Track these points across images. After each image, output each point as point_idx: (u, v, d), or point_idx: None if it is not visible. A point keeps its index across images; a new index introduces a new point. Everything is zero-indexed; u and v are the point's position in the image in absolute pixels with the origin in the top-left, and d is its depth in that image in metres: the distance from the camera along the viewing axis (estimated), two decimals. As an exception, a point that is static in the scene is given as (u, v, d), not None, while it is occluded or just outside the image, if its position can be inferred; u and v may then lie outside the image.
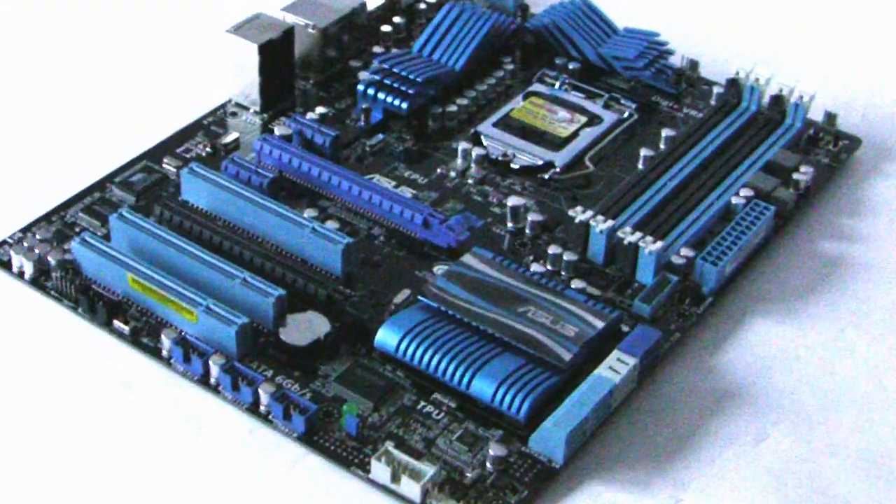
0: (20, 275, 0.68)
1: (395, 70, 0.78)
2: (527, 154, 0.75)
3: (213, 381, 0.63)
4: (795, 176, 0.74)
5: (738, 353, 0.66)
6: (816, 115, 0.78)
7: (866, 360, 0.67)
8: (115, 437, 0.61)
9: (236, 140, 0.76)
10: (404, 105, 0.77)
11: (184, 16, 0.88)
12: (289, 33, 0.78)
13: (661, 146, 0.77)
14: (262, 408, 0.61)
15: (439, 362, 0.63)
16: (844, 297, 0.70)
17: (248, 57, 0.77)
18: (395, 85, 0.77)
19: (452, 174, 0.75)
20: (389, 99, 0.77)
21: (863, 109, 0.81)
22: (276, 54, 0.78)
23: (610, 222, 0.69)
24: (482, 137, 0.76)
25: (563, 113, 0.78)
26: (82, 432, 0.62)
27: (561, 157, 0.75)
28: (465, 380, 0.62)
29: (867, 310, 0.69)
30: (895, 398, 0.65)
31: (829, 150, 0.77)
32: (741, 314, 0.68)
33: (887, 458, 0.62)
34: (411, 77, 0.77)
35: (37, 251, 0.68)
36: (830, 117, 0.79)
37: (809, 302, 0.69)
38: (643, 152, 0.76)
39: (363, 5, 0.82)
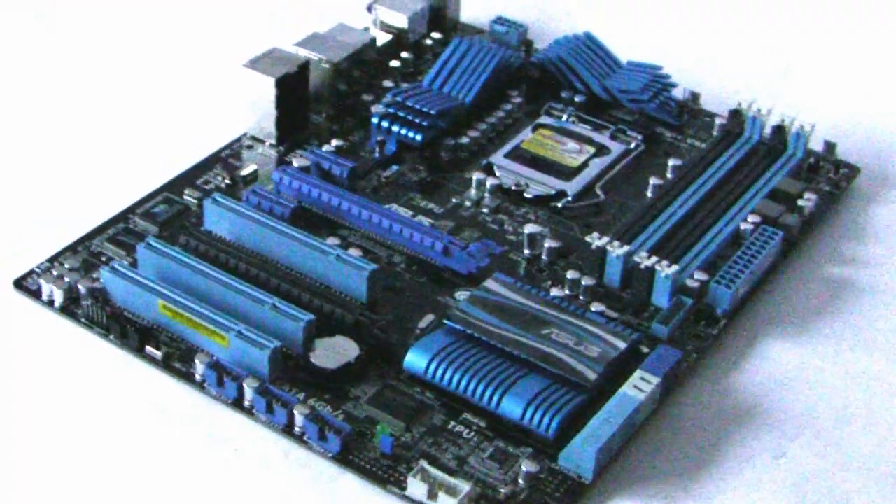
0: (49, 303, 0.69)
1: (408, 103, 0.80)
2: (539, 184, 0.77)
3: (246, 403, 0.64)
4: (800, 203, 0.76)
5: (754, 371, 0.69)
6: (816, 144, 0.81)
7: (877, 376, 0.69)
8: (151, 462, 0.63)
9: (254, 172, 0.78)
10: (418, 137, 0.79)
11: (198, 51, 0.90)
12: (304, 67, 0.80)
13: (669, 175, 0.79)
14: (296, 429, 0.63)
15: (468, 383, 0.64)
16: (852, 318, 0.72)
17: (264, 90, 0.79)
18: (409, 117, 0.79)
19: (467, 203, 0.77)
20: (403, 131, 0.79)
21: (861, 139, 0.84)
22: (292, 88, 0.79)
23: (626, 247, 0.71)
24: (495, 168, 0.79)
25: (571, 144, 0.80)
26: (118, 457, 0.63)
27: (572, 187, 0.77)
28: (495, 400, 0.64)
29: (874, 329, 0.71)
30: (907, 411, 0.67)
31: (830, 177, 0.80)
32: (754, 335, 0.71)
33: (904, 469, 0.64)
34: (424, 110, 0.79)
35: (66, 279, 0.69)
36: (830, 146, 0.81)
37: (819, 322, 0.72)
38: (652, 181, 0.78)
39: (373, 41, 0.84)
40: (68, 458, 0.63)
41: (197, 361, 0.65)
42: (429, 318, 0.69)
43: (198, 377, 0.65)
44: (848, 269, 0.75)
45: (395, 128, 0.80)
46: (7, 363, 0.67)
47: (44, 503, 0.61)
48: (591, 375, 0.65)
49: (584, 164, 0.79)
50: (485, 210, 0.76)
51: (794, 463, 0.64)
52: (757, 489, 0.63)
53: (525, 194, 0.77)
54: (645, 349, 0.68)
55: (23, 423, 0.64)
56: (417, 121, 0.79)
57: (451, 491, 0.60)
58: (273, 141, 0.80)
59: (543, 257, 0.73)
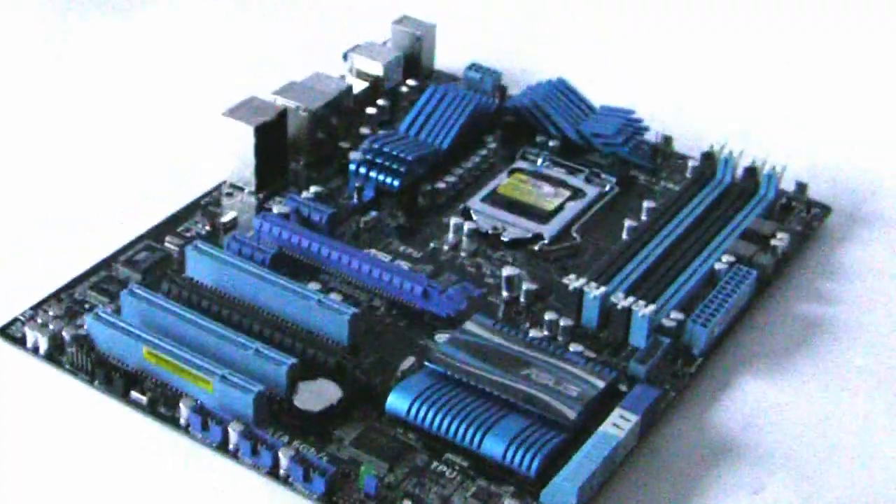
0: (34, 350, 0.69)
1: (385, 149, 0.81)
2: (516, 227, 0.79)
3: (231, 447, 0.65)
4: (773, 242, 0.78)
5: (731, 409, 0.70)
6: (788, 185, 0.82)
7: (852, 412, 0.70)
8: (137, 505, 0.63)
9: (234, 219, 0.79)
10: (396, 182, 0.80)
11: (177, 100, 0.91)
12: (282, 115, 0.81)
13: (643, 217, 0.80)
14: (281, 471, 0.64)
15: (450, 424, 0.65)
16: (825, 355, 0.73)
17: (243, 138, 0.80)
18: (387, 164, 0.80)
19: (445, 248, 0.78)
20: (381, 177, 0.80)
21: (832, 179, 0.85)
22: (271, 136, 0.80)
23: (602, 288, 0.72)
24: (472, 212, 0.80)
25: (547, 187, 0.82)
26: (106, 502, 0.63)
27: (549, 230, 0.79)
28: (476, 440, 0.65)
29: (846, 365, 0.73)
30: (881, 446, 0.68)
31: (802, 217, 0.81)
32: (730, 372, 0.72)
33: (880, 501, 0.65)
34: (401, 156, 0.80)
35: (50, 327, 0.70)
36: (801, 187, 0.83)
37: (793, 360, 0.73)
38: (627, 223, 0.79)
39: (349, 88, 0.86)
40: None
41: (182, 406, 0.66)
42: (410, 361, 0.70)
43: (183, 421, 0.66)
44: (821, 307, 0.76)
45: (372, 174, 0.81)
46: (-8, 411, 0.67)
47: (31, 549, 0.61)
48: (571, 414, 0.66)
49: (560, 208, 0.80)
50: (462, 254, 0.77)
51: (771, 498, 0.65)
52: (736, 524, 0.64)
53: (502, 237, 0.78)
54: (623, 388, 0.69)
55: (9, 470, 0.64)
56: (395, 167, 0.80)
57: (436, 530, 0.61)
58: (252, 188, 0.81)
59: (521, 299, 0.74)
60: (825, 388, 0.71)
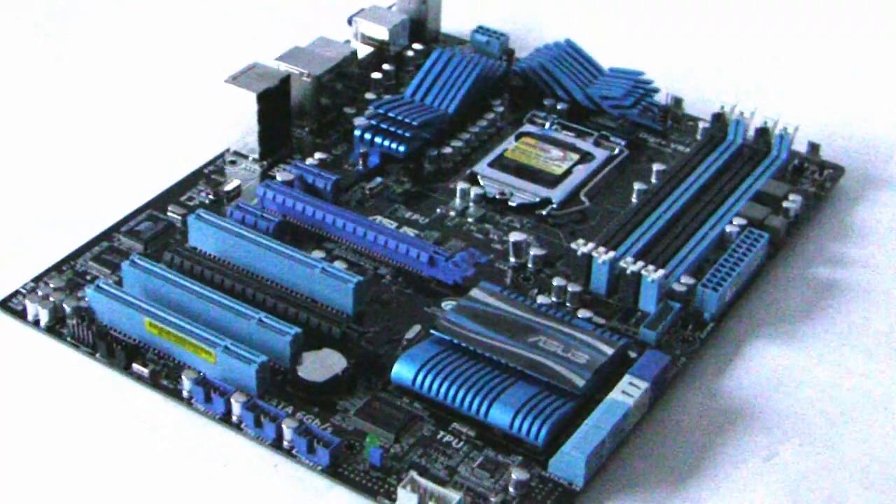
0: (35, 323, 0.69)
1: (390, 115, 0.80)
2: (523, 192, 0.77)
3: (235, 419, 0.64)
4: (785, 204, 0.76)
5: (742, 374, 0.69)
6: (800, 146, 0.81)
7: (864, 376, 0.69)
8: (141, 480, 0.62)
9: (238, 187, 0.78)
10: (402, 148, 0.79)
11: (178, 67, 0.89)
12: (285, 82, 0.80)
13: (653, 180, 0.79)
14: (285, 443, 0.63)
15: (456, 393, 0.64)
16: (838, 318, 0.72)
17: (246, 106, 0.79)
18: (392, 129, 0.79)
19: (452, 214, 0.77)
20: (387, 143, 0.79)
21: (845, 139, 0.84)
22: (274, 102, 0.79)
23: (611, 253, 0.71)
24: (479, 177, 0.78)
25: (555, 151, 0.80)
26: (107, 476, 0.63)
27: (557, 194, 0.77)
28: (483, 409, 0.64)
29: (860, 329, 0.71)
30: (895, 410, 0.67)
31: (815, 179, 0.80)
32: (742, 337, 0.71)
33: (893, 467, 0.64)
34: (407, 121, 0.79)
35: (52, 299, 0.69)
36: (814, 147, 0.81)
37: (806, 323, 0.72)
38: (636, 186, 0.78)
39: (354, 53, 0.84)
40: (57, 477, 0.62)
41: (184, 378, 0.65)
42: (415, 329, 0.69)
43: (185, 394, 0.65)
44: (834, 270, 0.75)
45: (378, 140, 0.79)
46: (-7, 384, 0.67)
47: (33, 524, 0.61)
48: (580, 382, 0.65)
49: (569, 172, 0.79)
50: (469, 220, 0.76)
51: (785, 464, 0.64)
52: (748, 491, 0.63)
53: (510, 203, 0.77)
54: (633, 354, 0.68)
55: (11, 444, 0.64)
56: (400, 132, 0.79)
57: (442, 501, 0.59)
58: (256, 156, 0.80)
59: (529, 265, 0.73)
60: (838, 352, 0.70)
